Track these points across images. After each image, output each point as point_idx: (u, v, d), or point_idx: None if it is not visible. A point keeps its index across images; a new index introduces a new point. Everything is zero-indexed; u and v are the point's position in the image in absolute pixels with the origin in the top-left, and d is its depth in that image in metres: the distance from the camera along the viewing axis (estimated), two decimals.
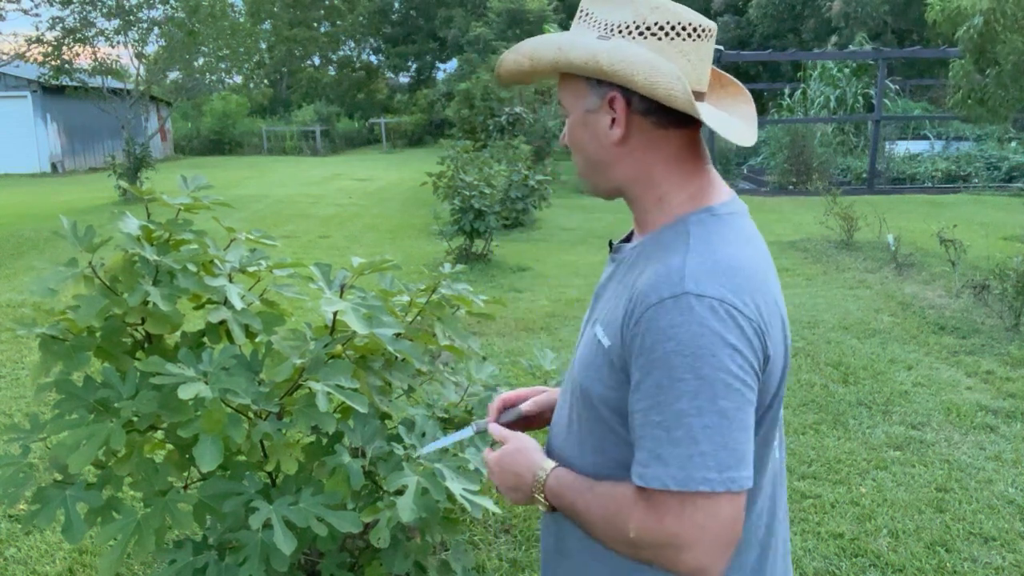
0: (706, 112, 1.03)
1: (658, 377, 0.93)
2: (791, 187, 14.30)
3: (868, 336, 5.56)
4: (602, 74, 1.00)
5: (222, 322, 1.87)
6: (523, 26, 26.50)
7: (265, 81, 28.37)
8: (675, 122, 1.03)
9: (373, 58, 41.38)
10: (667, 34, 1.01)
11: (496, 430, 1.19)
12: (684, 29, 1.02)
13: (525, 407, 1.30)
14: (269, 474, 2.00)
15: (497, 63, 1.12)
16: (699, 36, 1.03)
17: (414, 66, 41.02)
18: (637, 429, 0.96)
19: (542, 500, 1.09)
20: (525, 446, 1.14)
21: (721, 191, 1.09)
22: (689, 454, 0.91)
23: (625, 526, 0.97)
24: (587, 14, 1.06)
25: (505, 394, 1.33)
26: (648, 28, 1.01)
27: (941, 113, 16.09)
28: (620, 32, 1.02)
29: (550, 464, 1.10)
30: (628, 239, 1.18)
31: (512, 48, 1.09)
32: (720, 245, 1.00)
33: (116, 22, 15.10)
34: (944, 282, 6.94)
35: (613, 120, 1.04)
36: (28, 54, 14.70)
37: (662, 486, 0.92)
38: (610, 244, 1.17)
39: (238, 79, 19.65)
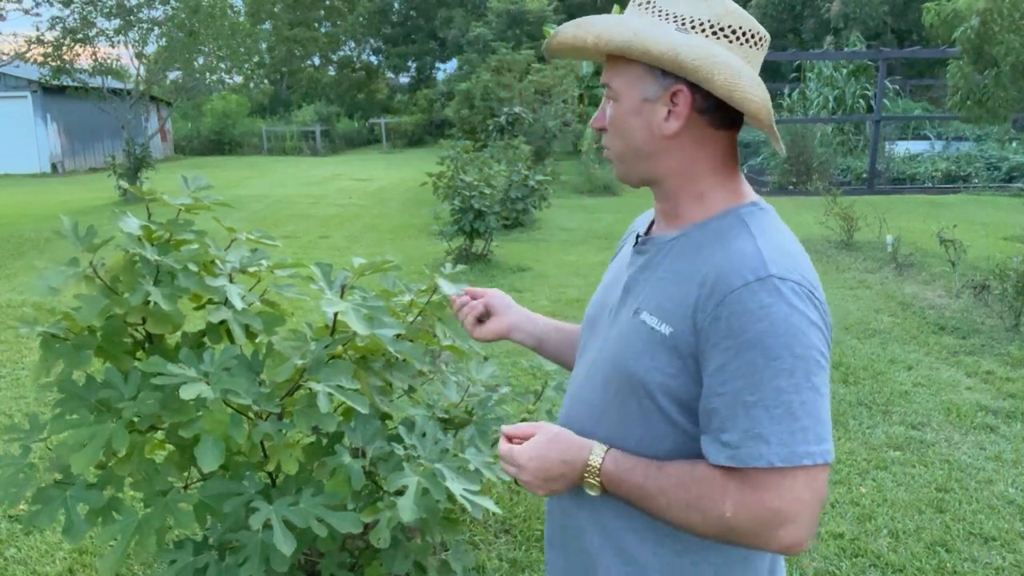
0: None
1: (752, 357, 0.94)
2: (791, 187, 14.30)
3: (868, 336, 5.56)
4: (679, 68, 1.00)
5: (223, 322, 1.87)
6: (523, 26, 26.50)
7: (265, 81, 28.36)
8: (725, 124, 1.07)
9: (373, 58, 41.38)
10: (739, 38, 1.04)
11: (514, 428, 1.14)
12: (753, 36, 1.05)
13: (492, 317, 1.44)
14: (269, 474, 2.00)
15: (553, 33, 1.10)
16: (760, 45, 1.07)
17: (414, 66, 41.02)
18: (723, 410, 0.96)
19: (595, 484, 1.07)
20: (560, 432, 1.11)
21: (750, 191, 1.13)
22: (791, 430, 0.93)
23: (718, 507, 0.97)
24: (650, 3, 1.07)
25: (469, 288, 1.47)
26: (723, 29, 1.04)
27: (941, 113, 16.09)
28: (696, 28, 1.04)
29: (601, 446, 1.08)
30: (648, 231, 1.19)
31: (575, 22, 1.08)
32: (777, 234, 1.04)
33: (116, 22, 15.10)
34: (944, 282, 6.94)
35: (669, 112, 1.05)
36: (28, 54, 14.69)
37: (767, 464, 0.93)
38: (636, 237, 1.19)
39: (238, 79, 19.62)
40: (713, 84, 1.00)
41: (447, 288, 1.68)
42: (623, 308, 1.13)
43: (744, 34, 1.05)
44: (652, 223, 1.20)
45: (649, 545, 1.09)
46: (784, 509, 0.94)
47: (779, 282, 0.96)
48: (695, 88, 1.03)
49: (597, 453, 1.07)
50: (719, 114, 1.05)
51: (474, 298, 1.47)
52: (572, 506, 1.17)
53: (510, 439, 1.13)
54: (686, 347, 1.00)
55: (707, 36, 1.04)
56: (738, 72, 1.00)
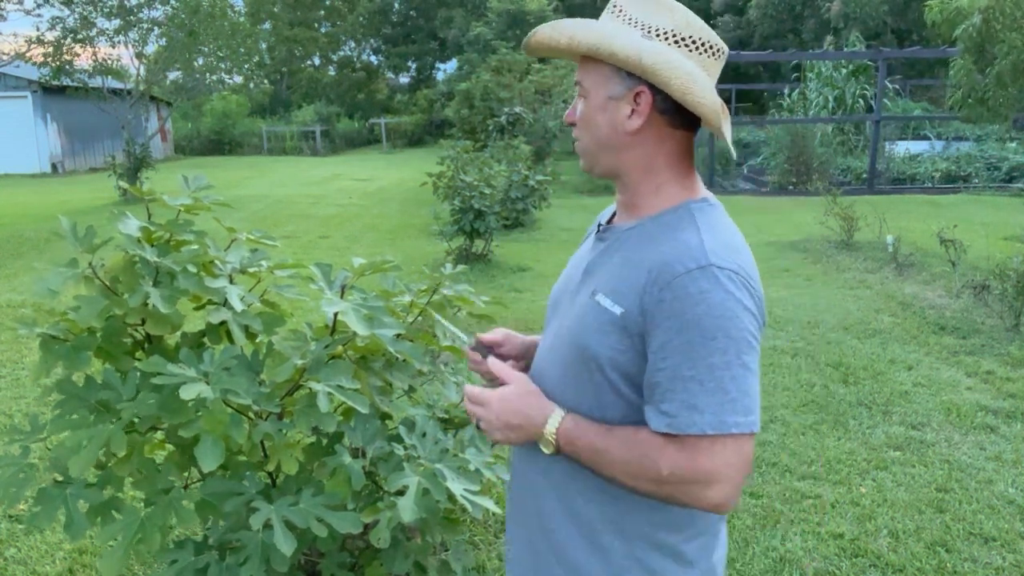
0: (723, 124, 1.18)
1: (690, 336, 1.06)
2: (791, 187, 14.30)
3: (868, 336, 5.56)
4: (641, 70, 1.12)
5: (222, 323, 1.87)
6: (523, 26, 26.48)
7: (265, 81, 28.35)
8: (683, 124, 1.18)
9: (373, 58, 41.38)
10: (698, 48, 1.15)
11: (498, 367, 1.25)
12: (710, 48, 1.16)
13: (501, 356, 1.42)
14: (269, 474, 2.00)
15: (530, 33, 1.21)
16: (717, 56, 1.18)
17: (414, 66, 41.01)
18: (664, 383, 1.08)
19: (551, 440, 1.17)
20: (535, 389, 1.22)
21: (703, 188, 1.24)
22: (722, 402, 1.05)
23: (655, 466, 1.08)
24: (621, 11, 1.18)
25: (483, 336, 1.44)
26: (684, 39, 1.15)
27: (941, 113, 16.09)
28: (659, 36, 1.15)
29: (562, 410, 1.19)
30: (610, 221, 1.30)
31: (551, 23, 1.18)
32: (722, 229, 1.16)
33: (116, 22, 15.09)
34: (944, 282, 6.94)
35: (632, 111, 1.16)
36: (28, 54, 14.69)
37: (699, 431, 1.05)
38: (598, 225, 1.30)
39: (238, 79, 19.62)
40: (670, 87, 1.11)
41: (464, 338, 1.71)
42: (582, 289, 1.23)
43: (702, 45, 1.15)
44: (614, 214, 1.31)
45: (596, 505, 1.20)
46: (714, 471, 1.06)
47: (717, 271, 1.08)
48: (656, 90, 1.14)
49: (557, 414, 1.18)
50: (677, 115, 1.16)
51: (486, 345, 1.43)
52: (533, 471, 1.29)
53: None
54: (634, 326, 1.11)
55: (669, 44, 1.14)
56: (693, 78, 1.11)
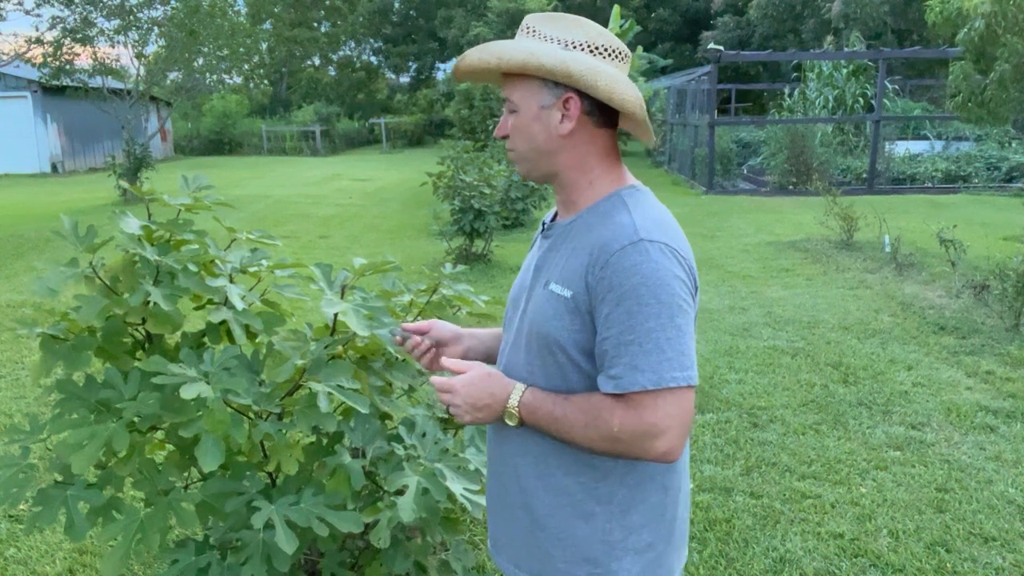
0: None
1: (628, 305, 1.19)
2: (791, 187, 14.30)
3: (868, 336, 5.56)
4: (569, 77, 1.24)
5: (223, 322, 1.87)
6: None
7: (265, 81, 28.35)
8: (607, 123, 1.31)
9: (373, 58, 41.37)
10: (611, 55, 1.29)
11: (452, 362, 1.36)
12: (620, 53, 1.30)
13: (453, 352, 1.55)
14: (270, 474, 2.00)
15: (459, 59, 1.32)
16: (625, 60, 1.32)
17: (414, 66, 41.02)
18: (610, 351, 1.21)
19: (515, 414, 1.29)
20: (493, 371, 1.34)
21: (630, 176, 1.37)
22: (659, 360, 1.18)
23: (608, 424, 1.21)
24: (534, 31, 1.30)
25: (408, 324, 1.56)
26: (597, 48, 1.28)
27: (941, 113, 16.09)
28: (577, 47, 1.27)
29: (522, 385, 1.31)
30: (553, 220, 1.42)
31: (479, 47, 1.29)
32: (650, 209, 1.29)
33: (116, 22, 15.09)
34: (944, 282, 6.94)
35: (563, 116, 1.28)
36: (28, 54, 14.69)
37: (641, 388, 1.18)
38: (543, 225, 1.42)
39: (238, 79, 19.63)
40: (597, 89, 1.23)
41: (383, 335, 1.78)
42: (536, 284, 1.35)
43: (614, 51, 1.29)
44: (556, 214, 1.43)
45: (573, 476, 1.31)
46: (658, 423, 1.18)
47: (648, 244, 1.21)
48: (582, 95, 1.27)
49: (519, 389, 1.30)
50: (602, 115, 1.29)
51: (412, 332, 1.56)
52: (509, 452, 1.39)
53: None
54: (583, 305, 1.24)
55: (587, 53, 1.27)
56: (615, 78, 1.24)
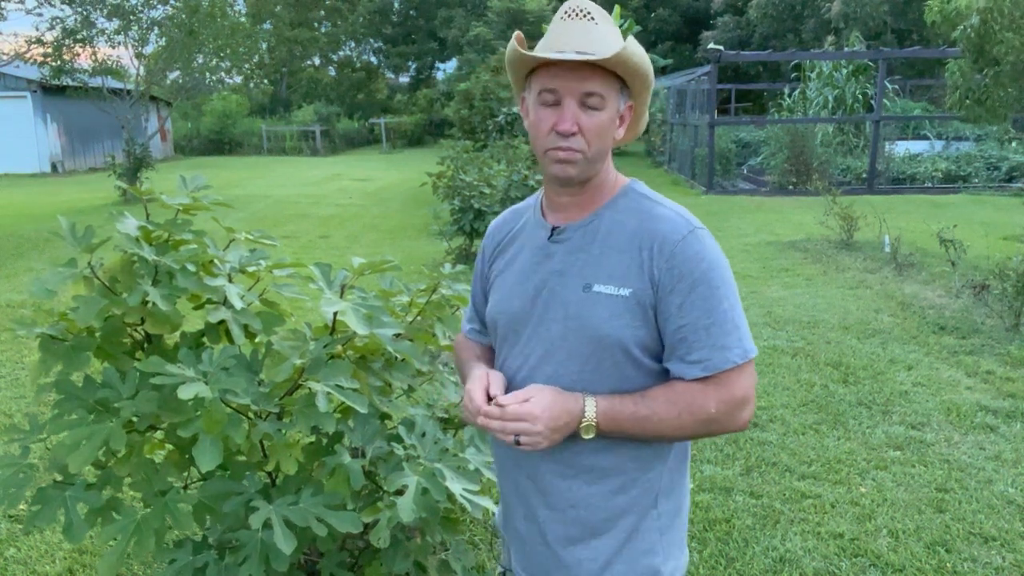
0: None
1: (702, 291, 1.24)
2: (791, 187, 14.29)
3: (868, 336, 5.56)
4: (649, 84, 1.30)
5: (221, 322, 1.87)
6: (523, 26, 26.49)
7: (265, 81, 28.33)
8: None
9: (373, 58, 41.37)
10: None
11: (509, 398, 1.26)
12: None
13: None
14: (269, 474, 2.00)
15: (623, 46, 1.22)
16: None
17: (414, 66, 41.03)
18: (689, 336, 1.25)
19: (593, 425, 1.26)
20: (555, 388, 1.28)
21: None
22: (739, 336, 1.26)
23: (704, 408, 1.25)
24: (593, 18, 1.26)
25: (486, 385, 1.36)
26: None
27: (941, 113, 16.08)
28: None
29: (588, 395, 1.27)
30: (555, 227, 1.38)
31: (632, 41, 1.24)
32: (664, 198, 1.36)
33: (116, 22, 15.09)
34: (944, 282, 6.94)
35: (622, 121, 1.31)
36: (28, 54, 14.68)
37: (732, 365, 1.25)
38: (551, 230, 1.36)
39: (238, 79, 19.61)
40: (645, 101, 1.33)
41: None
42: (564, 290, 1.31)
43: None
44: (542, 213, 1.40)
45: (612, 478, 1.32)
46: (746, 395, 1.27)
47: (701, 232, 1.28)
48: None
49: (590, 399, 1.27)
50: None
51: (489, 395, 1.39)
52: (529, 464, 1.36)
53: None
54: (646, 299, 1.26)
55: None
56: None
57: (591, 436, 1.27)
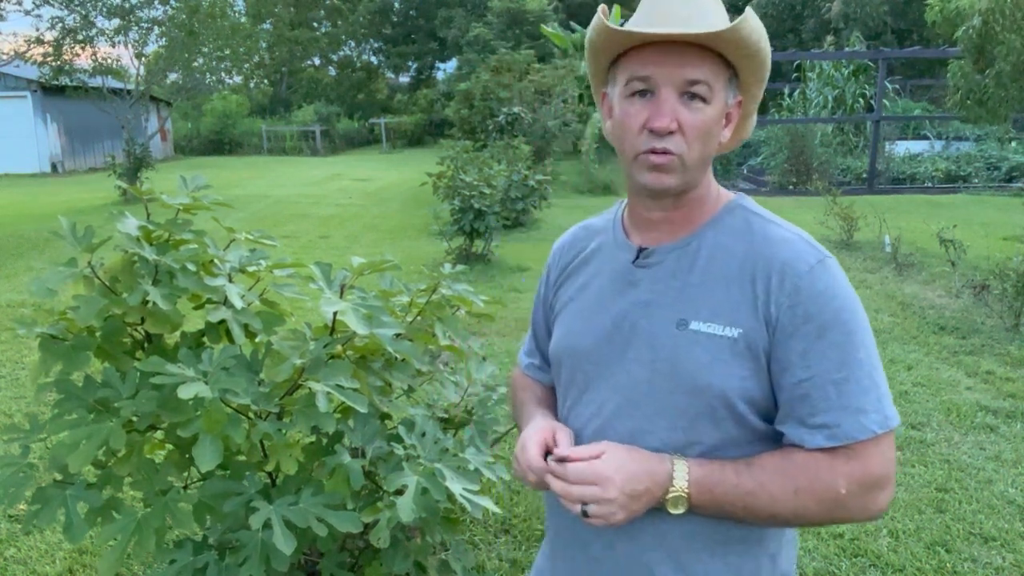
0: None
1: (833, 337, 0.96)
2: (791, 187, 14.29)
3: None
4: (764, 75, 1.03)
5: (222, 322, 1.87)
6: (523, 26, 26.49)
7: (265, 81, 28.35)
8: None
9: (373, 58, 41.38)
10: None
11: (574, 449, 1.01)
12: None
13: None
14: (269, 474, 2.00)
15: (745, 17, 0.96)
16: None
17: (414, 66, 41.02)
18: (813, 393, 0.97)
19: (684, 496, 0.97)
20: (630, 446, 1.01)
21: None
22: (878, 397, 0.99)
23: (831, 486, 0.96)
24: None
25: (546, 439, 1.09)
26: None
27: (941, 113, 16.09)
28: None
29: (678, 456, 1.00)
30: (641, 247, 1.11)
31: (757, 18, 0.98)
32: (779, 217, 1.07)
33: (116, 22, 15.09)
34: (944, 282, 6.94)
35: (728, 120, 1.04)
36: (28, 54, 14.69)
37: (870, 435, 0.97)
38: (638, 253, 1.09)
39: (238, 79, 19.63)
40: (758, 92, 1.04)
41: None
42: (651, 325, 1.04)
43: None
44: (624, 233, 1.13)
45: (720, 556, 1.04)
46: (886, 473, 0.99)
47: (830, 262, 1.00)
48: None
49: (680, 462, 0.98)
50: None
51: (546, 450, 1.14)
52: (645, 549, 1.06)
53: (564, 460, 0.99)
54: (759, 343, 0.98)
55: None
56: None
57: (681, 511, 0.98)
